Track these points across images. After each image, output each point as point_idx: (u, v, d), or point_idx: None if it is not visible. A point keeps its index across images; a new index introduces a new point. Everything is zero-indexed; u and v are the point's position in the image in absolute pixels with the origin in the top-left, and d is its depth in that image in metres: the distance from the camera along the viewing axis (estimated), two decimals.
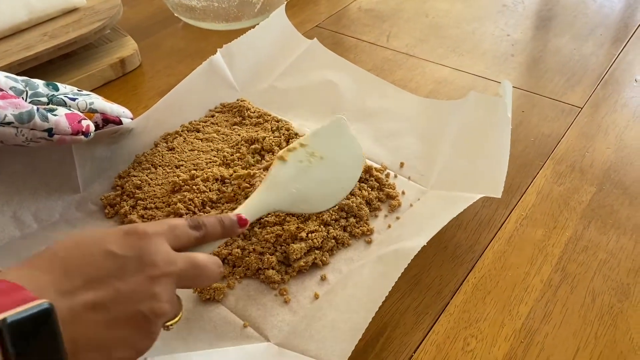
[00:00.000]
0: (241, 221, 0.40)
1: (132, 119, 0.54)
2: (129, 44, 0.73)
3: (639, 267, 0.46)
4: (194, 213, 0.49)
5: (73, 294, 0.29)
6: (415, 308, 0.43)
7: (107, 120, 0.51)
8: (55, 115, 0.45)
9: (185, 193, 0.51)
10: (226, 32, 0.79)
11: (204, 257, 0.35)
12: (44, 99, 0.48)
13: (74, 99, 0.49)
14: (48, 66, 0.67)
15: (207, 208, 0.50)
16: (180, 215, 0.49)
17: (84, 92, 0.51)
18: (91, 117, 0.49)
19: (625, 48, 0.73)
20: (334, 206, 0.48)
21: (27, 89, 0.48)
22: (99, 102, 0.51)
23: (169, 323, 0.34)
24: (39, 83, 0.49)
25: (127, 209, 0.50)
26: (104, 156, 0.54)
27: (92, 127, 0.48)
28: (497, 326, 0.42)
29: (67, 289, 0.29)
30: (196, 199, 0.50)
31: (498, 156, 0.50)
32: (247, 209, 0.42)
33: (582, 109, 0.63)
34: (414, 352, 0.41)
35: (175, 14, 0.83)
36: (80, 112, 0.49)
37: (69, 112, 0.47)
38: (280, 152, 0.47)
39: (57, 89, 0.50)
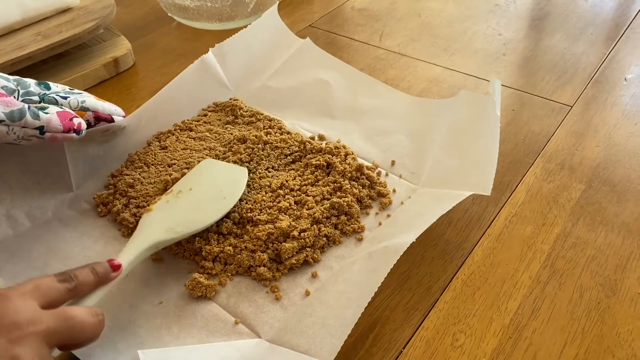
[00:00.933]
0: (114, 266, 0.39)
1: (124, 117, 0.54)
2: (122, 44, 0.73)
3: (626, 263, 0.46)
4: None
5: None
6: (405, 304, 0.44)
7: (99, 119, 0.51)
8: (46, 113, 0.46)
9: None
10: (219, 32, 0.79)
11: (78, 309, 0.34)
12: (36, 98, 0.48)
13: (65, 98, 0.49)
14: (41, 66, 0.68)
15: None
16: None
17: (76, 90, 0.52)
18: (83, 116, 0.50)
19: (615, 47, 0.74)
20: (223, 216, 0.48)
21: (19, 88, 0.48)
22: (91, 101, 0.51)
23: None
24: (31, 82, 0.49)
25: (119, 207, 0.50)
26: (96, 155, 0.54)
27: (83, 125, 0.49)
28: (486, 322, 0.42)
29: None
30: None
31: (487, 154, 0.50)
32: (121, 255, 0.42)
33: (572, 107, 0.64)
34: (404, 348, 0.41)
35: (169, 14, 0.83)
36: (72, 110, 0.49)
37: (61, 110, 0.47)
38: (146, 208, 0.47)
39: (49, 88, 0.50)
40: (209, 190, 0.50)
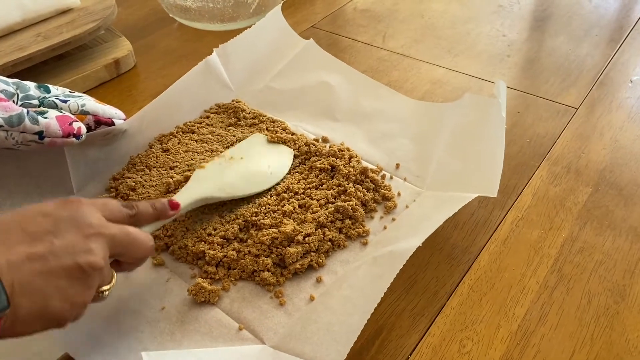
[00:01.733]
0: (172, 204, 0.43)
1: (125, 120, 0.53)
2: (123, 45, 0.73)
3: (635, 268, 0.46)
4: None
5: (11, 247, 0.31)
6: (411, 310, 0.43)
7: (100, 122, 0.51)
8: (45, 117, 0.45)
9: None
10: (221, 33, 0.79)
11: (136, 229, 0.38)
12: (35, 102, 0.48)
13: (65, 101, 0.49)
14: (42, 67, 0.67)
15: (206, 211, 0.50)
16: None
17: (76, 93, 0.51)
18: (83, 119, 0.49)
19: (620, 49, 0.73)
20: (267, 189, 0.51)
21: (18, 91, 0.47)
22: (91, 104, 0.50)
23: (103, 288, 0.36)
24: (31, 85, 0.49)
25: None
26: (97, 157, 0.53)
27: (83, 129, 0.48)
28: (493, 328, 0.42)
29: (6, 244, 0.31)
30: None
31: (493, 156, 0.50)
32: (178, 197, 0.45)
33: (577, 109, 0.63)
34: (410, 355, 0.40)
35: (170, 15, 0.82)
36: (72, 114, 0.48)
37: (60, 114, 0.46)
38: (199, 164, 0.50)
39: (48, 91, 0.49)
40: (258, 163, 0.53)
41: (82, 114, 0.49)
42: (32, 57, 0.64)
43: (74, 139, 0.47)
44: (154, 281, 0.45)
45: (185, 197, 0.45)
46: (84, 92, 0.66)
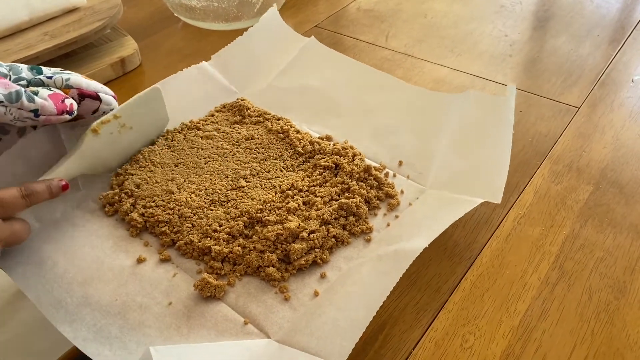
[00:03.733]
0: (65, 187, 0.48)
1: (114, 97, 0.54)
2: (129, 44, 0.74)
3: (635, 265, 0.46)
4: (201, 213, 0.50)
5: None
6: (414, 305, 0.44)
7: (83, 95, 0.51)
8: (41, 97, 0.47)
9: (185, 193, 0.51)
10: (226, 32, 0.79)
11: (20, 225, 0.44)
12: (24, 82, 0.49)
13: (50, 77, 0.50)
14: (49, 65, 0.67)
15: (212, 207, 0.50)
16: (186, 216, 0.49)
17: (66, 71, 0.52)
18: (67, 93, 0.50)
19: (622, 48, 0.74)
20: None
21: (11, 73, 0.48)
22: (75, 78, 0.51)
23: None
24: (23, 67, 0.50)
25: (127, 207, 0.50)
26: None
27: (75, 106, 0.49)
28: (495, 323, 0.42)
29: None
30: (197, 197, 0.50)
31: (499, 160, 0.50)
32: (58, 174, 0.49)
33: (579, 109, 0.64)
34: (413, 349, 0.41)
35: (175, 14, 0.83)
36: (58, 89, 0.49)
37: (52, 92, 0.48)
38: (94, 124, 0.51)
39: (40, 72, 0.50)
40: (140, 136, 0.56)
41: (66, 88, 0.50)
42: (39, 55, 0.65)
43: (67, 116, 0.48)
44: (161, 276, 0.45)
45: (65, 175, 0.49)
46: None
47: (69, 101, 0.49)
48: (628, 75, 0.69)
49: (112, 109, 0.54)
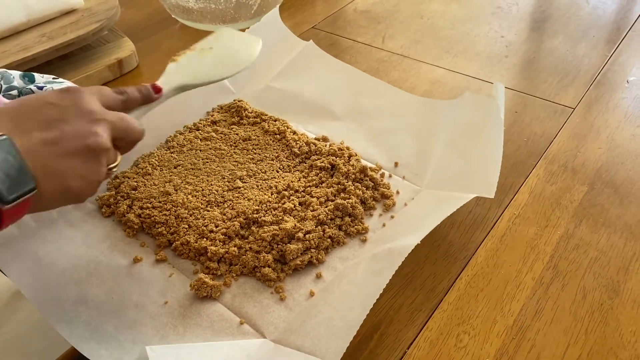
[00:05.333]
0: (155, 88, 0.46)
1: None
2: (126, 45, 0.74)
3: (629, 265, 0.46)
4: (198, 214, 0.50)
5: (26, 134, 0.34)
6: (409, 305, 0.44)
7: None
8: None
9: (181, 194, 0.51)
10: None
11: (129, 117, 0.41)
12: (15, 92, 0.49)
13: (41, 88, 0.50)
14: (46, 67, 0.68)
15: (208, 208, 0.50)
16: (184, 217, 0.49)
17: (59, 79, 0.52)
18: None
19: (617, 49, 0.74)
20: (237, 72, 0.53)
21: (2, 82, 0.48)
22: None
23: (111, 166, 0.39)
24: (15, 75, 0.50)
25: (124, 209, 0.50)
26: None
27: None
28: (489, 323, 0.43)
29: (20, 131, 0.33)
30: (193, 198, 0.51)
31: (491, 157, 0.50)
32: (159, 83, 0.47)
33: (574, 109, 0.64)
34: (408, 348, 0.41)
35: (173, 15, 0.83)
36: None
37: None
38: (172, 57, 0.52)
39: (33, 81, 0.50)
40: (227, 51, 0.55)
41: None
42: (37, 57, 0.65)
43: None
44: (157, 276, 0.46)
45: (164, 83, 0.48)
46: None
47: None
48: (623, 76, 0.69)
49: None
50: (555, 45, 0.76)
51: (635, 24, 0.80)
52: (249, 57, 0.55)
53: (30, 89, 0.49)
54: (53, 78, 0.52)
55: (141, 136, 0.42)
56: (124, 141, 0.41)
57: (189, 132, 0.59)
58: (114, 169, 0.39)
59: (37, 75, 0.51)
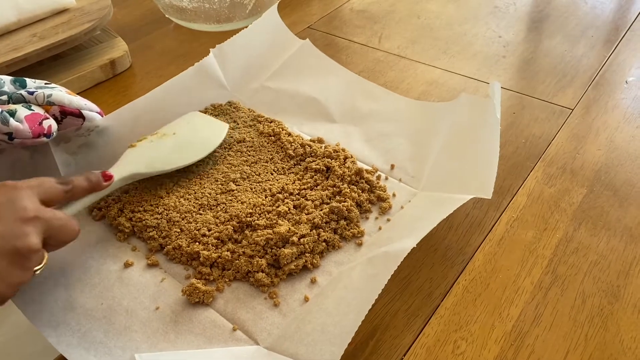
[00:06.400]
0: (106, 175, 0.45)
1: (99, 112, 0.53)
2: (119, 45, 0.73)
3: (629, 269, 0.46)
4: (190, 218, 0.49)
5: None
6: (406, 310, 0.43)
7: (65, 113, 0.50)
8: (16, 120, 0.45)
9: (173, 197, 0.50)
10: (217, 34, 0.79)
11: (66, 216, 0.40)
12: (4, 97, 0.48)
13: (32, 93, 0.49)
14: (37, 67, 0.67)
15: (201, 211, 0.50)
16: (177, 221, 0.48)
17: (51, 85, 0.51)
18: (49, 110, 0.49)
19: (616, 49, 0.73)
20: (197, 160, 0.53)
21: None
22: (58, 94, 0.50)
23: (36, 268, 0.37)
24: (6, 80, 0.49)
25: (115, 212, 0.49)
26: (89, 157, 0.53)
27: (54, 127, 0.48)
28: (487, 329, 0.42)
29: None
30: (186, 202, 0.50)
31: (488, 157, 0.50)
32: (111, 170, 0.47)
33: (573, 110, 0.63)
34: (404, 355, 0.40)
35: (166, 15, 0.82)
36: (39, 104, 0.48)
37: (29, 113, 0.47)
38: (131, 144, 0.52)
39: (24, 86, 0.49)
40: (189, 137, 0.54)
41: (47, 104, 0.49)
42: (28, 57, 0.64)
43: (44, 138, 0.47)
44: (148, 281, 0.45)
45: (116, 171, 0.47)
46: (79, 93, 0.66)
47: (48, 123, 0.48)
48: (622, 77, 0.68)
49: (96, 126, 0.53)
50: (553, 45, 0.75)
51: (634, 24, 0.79)
52: (211, 145, 0.54)
53: (20, 94, 0.48)
54: (45, 83, 0.51)
55: (76, 236, 0.40)
56: (56, 240, 0.39)
57: None
58: (38, 272, 0.37)
59: (28, 81, 0.50)
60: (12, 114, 0.46)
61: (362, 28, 0.81)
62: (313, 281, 0.45)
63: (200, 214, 0.49)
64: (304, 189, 0.51)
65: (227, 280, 0.45)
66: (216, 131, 0.56)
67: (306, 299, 0.43)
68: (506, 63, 0.72)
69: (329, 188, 0.51)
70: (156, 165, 0.50)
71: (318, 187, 0.51)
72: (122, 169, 0.48)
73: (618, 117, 0.62)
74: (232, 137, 0.58)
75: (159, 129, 0.55)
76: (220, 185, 0.52)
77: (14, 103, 0.48)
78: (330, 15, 0.84)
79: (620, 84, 0.67)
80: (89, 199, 0.44)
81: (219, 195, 0.51)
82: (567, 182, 0.54)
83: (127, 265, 0.46)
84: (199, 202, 0.50)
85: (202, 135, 0.55)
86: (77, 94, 0.64)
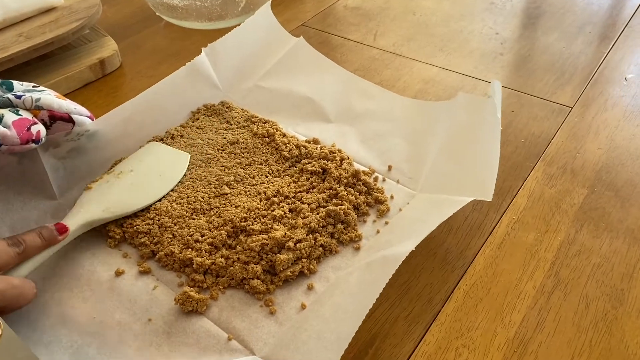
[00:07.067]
0: (60, 228, 0.42)
1: (90, 116, 0.51)
2: (108, 45, 0.71)
3: (633, 272, 0.45)
4: (182, 224, 0.47)
5: None
6: (406, 317, 0.42)
7: (54, 117, 0.48)
8: (3, 126, 0.44)
9: (165, 202, 0.49)
10: (209, 32, 0.77)
11: (21, 281, 0.38)
12: None
13: (19, 97, 0.47)
14: (24, 68, 0.65)
15: (194, 216, 0.48)
16: (169, 227, 0.47)
17: (40, 88, 0.49)
18: (37, 114, 0.47)
19: (614, 46, 0.73)
20: (157, 200, 0.49)
21: None
22: (46, 98, 0.48)
23: None
24: None
25: None
26: (79, 162, 0.52)
27: (42, 133, 0.47)
28: (489, 335, 0.41)
29: None
30: (178, 206, 0.48)
31: (488, 158, 0.48)
32: (64, 221, 0.44)
33: (572, 108, 0.62)
34: None
35: (157, 13, 0.81)
36: (27, 109, 0.47)
37: (17, 118, 0.45)
38: (86, 186, 0.49)
39: (11, 89, 0.48)
40: (148, 173, 0.51)
41: (36, 109, 0.47)
42: (14, 57, 0.62)
43: (32, 145, 0.46)
44: (140, 290, 0.43)
45: (71, 222, 0.44)
46: (68, 94, 0.64)
47: (36, 128, 0.46)
48: (621, 74, 0.67)
49: (87, 131, 0.51)
50: (550, 42, 0.74)
51: (631, 20, 0.78)
52: (172, 180, 0.51)
53: (7, 98, 0.47)
54: (33, 86, 0.49)
55: (32, 299, 0.39)
56: (11, 309, 0.37)
57: (172, 139, 0.56)
58: None
59: (15, 83, 0.48)
60: (0, 119, 0.44)
61: (357, 25, 0.79)
62: (310, 287, 0.43)
63: (193, 219, 0.48)
64: (300, 191, 0.50)
65: (221, 287, 0.43)
66: (177, 164, 0.53)
67: (303, 306, 0.42)
68: (504, 60, 0.71)
69: (325, 191, 0.50)
70: (114, 210, 0.47)
71: (314, 190, 0.50)
72: (78, 218, 0.45)
73: (618, 115, 0.61)
74: (225, 138, 0.56)
75: (115, 167, 0.52)
76: (213, 189, 0.50)
77: (0, 107, 0.46)
78: (324, 13, 0.83)
79: (620, 81, 0.66)
80: (43, 256, 0.41)
81: (212, 199, 0.49)
82: (568, 182, 0.53)
83: (118, 273, 0.44)
84: (192, 207, 0.49)
85: (162, 169, 0.52)
86: (66, 94, 0.63)
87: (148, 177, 0.50)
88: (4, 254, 0.38)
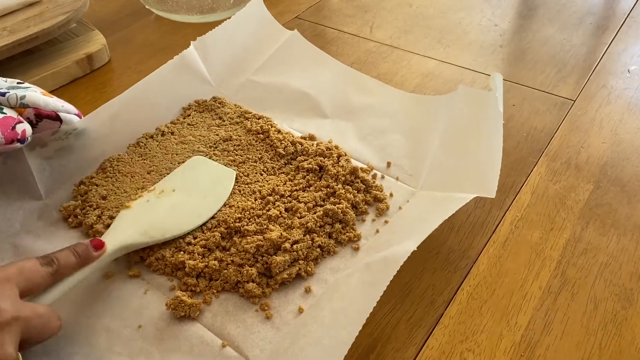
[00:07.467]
0: (96, 244, 0.39)
1: (78, 114, 0.49)
2: (96, 39, 0.69)
3: None
4: None
5: None
6: (408, 320, 0.40)
7: (41, 116, 0.46)
8: None
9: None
10: (200, 25, 0.75)
11: (45, 308, 0.35)
12: None
13: (4, 94, 0.45)
14: (9, 63, 0.63)
15: None
16: None
17: (25, 84, 0.47)
18: (22, 113, 0.45)
19: (616, 37, 0.71)
20: (204, 222, 0.46)
21: None
22: (32, 95, 0.46)
23: None
24: None
25: (93, 219, 0.46)
26: (66, 161, 0.50)
27: (28, 132, 0.45)
28: (495, 338, 0.39)
29: None
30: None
31: (491, 153, 0.47)
32: (104, 237, 0.41)
33: (574, 101, 0.61)
34: None
35: (147, 6, 0.78)
36: (12, 107, 0.45)
37: (1, 117, 0.43)
38: (125, 204, 0.45)
39: None
40: (192, 194, 0.47)
41: (21, 107, 0.45)
42: None
43: (17, 144, 0.43)
44: (130, 295, 0.41)
45: (109, 240, 0.41)
46: (54, 90, 0.62)
47: (22, 127, 0.44)
48: (624, 65, 0.66)
49: (74, 129, 0.49)
50: (550, 33, 0.72)
51: (632, 10, 0.76)
52: (215, 202, 0.47)
53: None
54: (18, 82, 0.47)
55: (56, 333, 0.35)
56: (35, 340, 0.34)
57: (163, 136, 0.54)
58: None
59: (0, 80, 0.46)
60: None
61: (353, 17, 0.77)
62: (307, 290, 0.42)
63: None
64: (296, 190, 0.48)
65: (214, 291, 0.41)
66: (222, 183, 0.49)
67: (300, 310, 0.40)
68: (503, 52, 0.69)
69: (322, 189, 0.48)
70: (153, 234, 0.43)
71: (311, 188, 0.48)
72: (116, 239, 0.41)
73: (621, 108, 0.59)
74: (217, 135, 0.54)
75: (157, 184, 0.48)
76: None
77: None
78: (318, 5, 0.81)
79: (622, 74, 0.64)
80: (76, 278, 0.38)
81: None
82: (572, 177, 0.51)
83: (107, 277, 0.42)
84: None
85: (206, 189, 0.48)
86: (52, 91, 0.61)
87: (191, 197, 0.47)
88: (36, 274, 0.35)
